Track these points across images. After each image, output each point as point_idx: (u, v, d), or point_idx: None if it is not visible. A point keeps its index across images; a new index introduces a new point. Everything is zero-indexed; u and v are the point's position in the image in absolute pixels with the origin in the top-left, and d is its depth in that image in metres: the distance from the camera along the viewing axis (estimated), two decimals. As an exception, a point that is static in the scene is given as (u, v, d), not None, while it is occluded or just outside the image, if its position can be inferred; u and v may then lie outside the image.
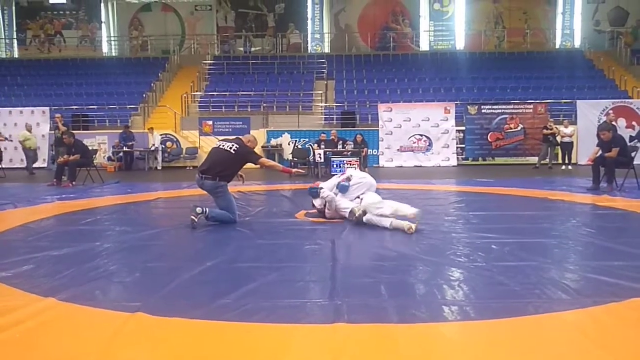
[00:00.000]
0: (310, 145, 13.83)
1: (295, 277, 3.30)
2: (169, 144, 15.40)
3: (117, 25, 22.90)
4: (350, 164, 10.87)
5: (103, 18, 22.76)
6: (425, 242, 4.35)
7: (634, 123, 14.70)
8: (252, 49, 22.43)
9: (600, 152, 7.96)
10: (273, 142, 15.21)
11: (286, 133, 15.35)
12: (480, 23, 21.83)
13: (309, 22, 21.71)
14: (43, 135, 14.80)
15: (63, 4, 22.97)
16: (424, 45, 21.92)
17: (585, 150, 12.52)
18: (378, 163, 14.75)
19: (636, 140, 13.28)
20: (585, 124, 14.26)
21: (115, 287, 3.18)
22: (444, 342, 2.33)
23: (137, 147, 14.77)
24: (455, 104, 15.35)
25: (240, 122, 15.45)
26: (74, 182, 9.37)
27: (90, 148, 10.60)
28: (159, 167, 14.69)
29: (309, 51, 21.38)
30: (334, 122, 16.35)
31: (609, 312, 2.60)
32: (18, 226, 5.29)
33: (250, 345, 2.28)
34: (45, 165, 14.00)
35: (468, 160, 14.98)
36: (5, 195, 8.03)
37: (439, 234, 4.63)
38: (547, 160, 13.24)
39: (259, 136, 14.34)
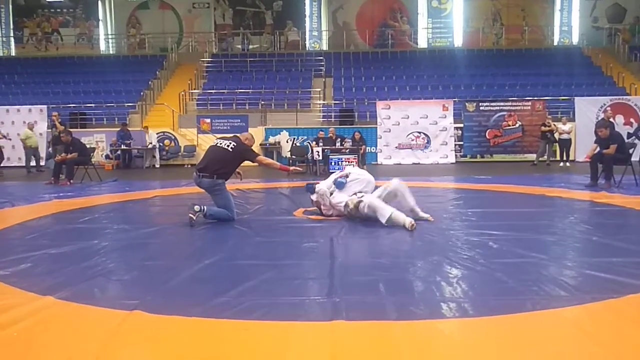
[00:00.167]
0: (308, 142, 13.82)
1: (294, 274, 3.30)
2: (167, 142, 15.38)
3: (115, 23, 22.82)
4: (349, 162, 10.86)
5: (100, 16, 22.69)
6: (423, 239, 4.35)
7: (631, 120, 14.73)
8: (250, 46, 22.38)
9: (598, 149, 7.97)
10: (271, 139, 15.19)
11: (284, 131, 15.33)
12: (478, 20, 21.81)
13: (307, 19, 21.68)
14: (41, 134, 14.76)
15: (60, 1, 22.90)
16: (422, 43, 21.90)
17: (584, 147, 12.54)
18: (376, 160, 14.76)
19: (634, 137, 13.29)
20: (583, 121, 14.29)
21: (113, 285, 3.17)
22: (442, 339, 2.33)
23: (135, 145, 14.75)
24: (454, 101, 15.36)
25: (239, 120, 15.43)
26: (71, 181, 9.36)
27: (88, 146, 10.57)
28: (157, 165, 14.67)
29: (307, 49, 21.34)
30: (332, 119, 16.34)
31: (607, 308, 2.60)
32: (16, 224, 5.28)
33: (249, 342, 2.27)
34: (42, 163, 13.94)
35: (466, 157, 14.99)
36: (2, 193, 8.01)
37: (437, 231, 4.63)
38: (545, 157, 13.26)
39: (257, 134, 14.33)
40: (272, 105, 17.02)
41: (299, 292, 2.96)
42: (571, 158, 13.35)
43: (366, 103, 16.77)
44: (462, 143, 15.00)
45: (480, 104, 15.04)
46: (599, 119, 12.44)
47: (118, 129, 14.95)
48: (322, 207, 5.52)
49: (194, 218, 5.00)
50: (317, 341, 2.27)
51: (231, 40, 22.72)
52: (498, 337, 2.31)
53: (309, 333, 2.35)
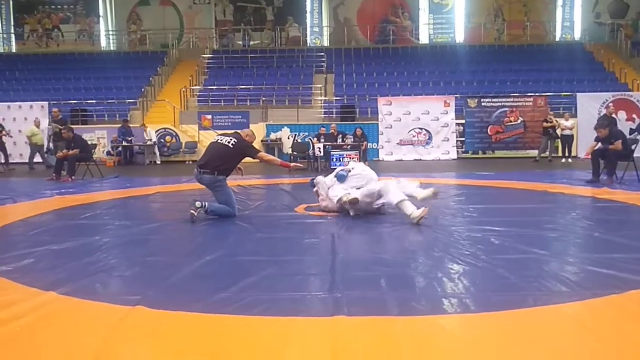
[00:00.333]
0: (309, 139, 13.81)
1: (295, 270, 3.30)
2: (168, 138, 15.38)
3: (115, 20, 22.80)
4: (350, 158, 10.86)
5: (101, 12, 22.66)
6: (425, 235, 4.35)
7: (634, 116, 14.69)
8: (251, 42, 22.35)
9: (599, 145, 7.95)
10: (272, 136, 15.18)
11: (285, 127, 15.32)
12: (480, 16, 21.75)
13: (308, 15, 21.62)
14: (42, 130, 14.75)
15: (60, -2, 22.89)
16: (424, 38, 21.85)
17: (585, 144, 12.49)
18: (378, 157, 14.75)
19: (636, 133, 13.26)
20: (585, 117, 14.25)
21: (115, 281, 3.18)
22: (443, 334, 2.33)
23: (136, 141, 14.75)
24: (455, 97, 15.33)
25: (240, 116, 15.42)
26: (73, 177, 9.37)
27: (89, 143, 10.59)
28: (158, 162, 14.68)
29: (308, 45, 21.30)
30: (334, 115, 16.32)
31: (608, 304, 2.60)
32: (18, 221, 5.29)
33: (250, 338, 2.28)
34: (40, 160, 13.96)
35: (468, 153, 14.98)
36: (4, 190, 8.02)
37: (438, 227, 4.63)
38: (547, 153, 13.24)
39: (258, 130, 14.31)
40: (273, 101, 17.01)
41: (300, 288, 2.96)
42: (573, 154, 13.32)
43: (367, 99, 16.75)
44: (463, 139, 14.98)
45: (482, 100, 15.00)
46: (601, 114, 12.41)
47: (119, 125, 14.95)
48: (319, 198, 5.54)
49: (195, 214, 5.00)
50: (318, 336, 2.27)
51: (232, 36, 22.68)
52: (499, 333, 2.31)
53: (310, 328, 2.35)
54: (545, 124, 13.30)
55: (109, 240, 4.33)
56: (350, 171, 5.48)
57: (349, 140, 12.66)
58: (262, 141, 14.54)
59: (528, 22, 21.52)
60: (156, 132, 15.25)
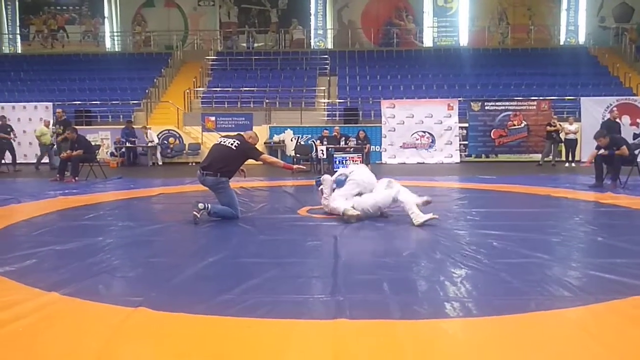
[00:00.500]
0: (312, 141, 13.81)
1: (297, 273, 3.30)
2: (171, 139, 15.41)
3: (120, 21, 22.89)
4: (353, 161, 10.85)
5: (106, 13, 22.76)
6: (427, 238, 4.35)
7: (638, 120, 14.62)
8: (255, 44, 22.40)
9: (602, 150, 7.89)
10: (276, 138, 15.19)
11: (289, 129, 15.32)
12: (484, 19, 21.74)
13: (312, 17, 21.66)
14: (52, 132, 14.82)
15: (66, -1, 23.02)
16: (428, 42, 21.84)
17: (589, 148, 12.46)
18: (381, 160, 14.74)
19: (640, 138, 13.21)
20: (589, 121, 14.20)
21: (118, 282, 3.19)
22: (445, 338, 2.33)
23: (140, 143, 14.80)
24: (459, 100, 15.31)
25: (243, 118, 15.44)
26: (77, 178, 9.40)
27: (93, 144, 10.63)
28: (160, 163, 14.71)
29: (312, 47, 21.34)
30: (337, 118, 16.32)
31: (611, 309, 2.59)
32: (22, 221, 5.31)
33: (252, 340, 2.28)
34: (46, 160, 14.02)
35: (471, 157, 14.95)
36: (9, 190, 8.06)
37: (441, 231, 4.62)
38: (551, 157, 13.21)
39: (261, 132, 14.32)
40: (277, 103, 17.02)
41: (303, 291, 2.96)
42: (577, 158, 13.28)
43: (371, 102, 16.75)
44: (467, 143, 14.96)
45: (485, 103, 14.98)
46: (605, 119, 12.38)
47: (123, 126, 14.99)
48: (323, 196, 5.54)
49: (198, 216, 5.01)
50: (320, 339, 2.27)
51: (236, 38, 22.74)
52: (502, 337, 2.31)
53: (312, 331, 2.35)
54: (548, 128, 13.26)
55: (112, 241, 4.34)
56: (348, 175, 5.46)
57: (352, 142, 12.65)
58: (265, 143, 14.56)
59: (532, 25, 21.50)
60: (160, 133, 15.29)
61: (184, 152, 15.39)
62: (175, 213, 5.78)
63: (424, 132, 14.90)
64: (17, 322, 2.44)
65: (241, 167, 5.57)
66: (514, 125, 14.70)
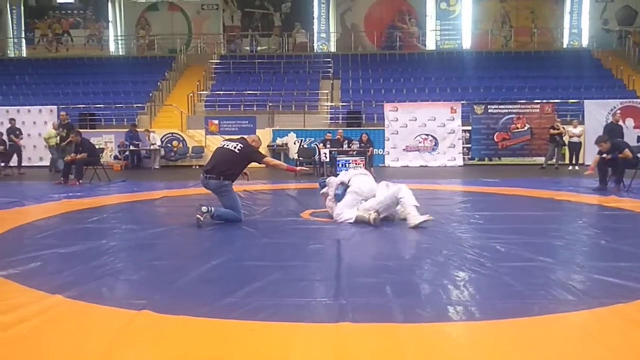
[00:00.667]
0: (316, 144, 13.83)
1: (300, 276, 3.30)
2: (175, 143, 15.46)
3: (124, 25, 22.99)
4: (356, 164, 10.86)
5: (110, 17, 22.86)
6: (430, 242, 4.34)
7: (642, 123, 14.58)
8: (259, 48, 22.46)
9: (604, 155, 7.85)
10: (279, 141, 15.23)
11: (292, 132, 15.36)
12: (487, 22, 21.73)
13: (315, 21, 21.71)
14: (55, 136, 14.87)
15: (71, 3, 23.13)
16: (431, 45, 21.85)
17: (593, 151, 12.43)
18: (384, 163, 14.74)
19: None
20: (592, 124, 14.16)
21: (122, 285, 3.19)
22: (449, 342, 2.33)
23: (143, 146, 14.84)
24: (462, 103, 15.30)
25: (246, 122, 15.48)
26: (80, 181, 9.43)
27: (97, 147, 10.67)
28: (157, 167, 14.74)
29: (315, 50, 21.37)
30: (340, 121, 16.34)
31: (615, 313, 2.59)
32: (26, 224, 5.33)
33: (255, 343, 2.28)
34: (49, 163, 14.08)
35: (474, 160, 14.93)
36: (13, 193, 8.09)
37: (444, 234, 4.62)
38: (554, 160, 13.17)
39: (264, 135, 14.38)
40: (280, 106, 17.06)
41: (306, 294, 2.97)
42: (580, 161, 13.24)
43: (374, 105, 16.76)
44: (470, 146, 14.94)
45: (488, 106, 14.97)
46: (608, 122, 12.33)
47: (127, 129, 15.05)
48: (327, 198, 5.54)
49: (202, 219, 5.02)
50: (322, 343, 2.27)
51: (239, 41, 22.81)
52: (505, 341, 2.30)
53: (314, 334, 2.35)
54: (552, 131, 13.24)
55: (116, 244, 4.35)
56: (347, 185, 5.44)
57: (355, 146, 12.66)
58: (268, 146, 14.59)
59: (535, 28, 21.48)
60: (163, 136, 15.35)
61: (188, 155, 15.44)
62: (179, 216, 5.79)
63: (427, 135, 14.89)
64: (21, 325, 2.45)
65: (244, 171, 5.58)
66: (517, 128, 14.68)
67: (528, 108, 14.84)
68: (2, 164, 12.34)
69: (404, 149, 14.89)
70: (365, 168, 10.28)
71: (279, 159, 12.54)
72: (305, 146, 14.74)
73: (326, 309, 2.68)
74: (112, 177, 10.47)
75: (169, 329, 2.42)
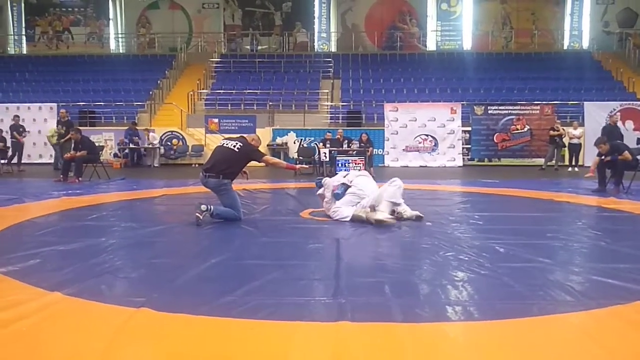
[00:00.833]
0: (315, 144, 13.83)
1: (300, 275, 3.30)
2: (174, 141, 15.46)
3: (125, 23, 22.98)
4: (356, 164, 10.86)
5: (111, 15, 22.85)
6: (429, 242, 4.34)
7: (642, 125, 14.59)
8: (259, 47, 22.45)
9: (604, 157, 7.86)
10: (279, 140, 15.23)
11: (292, 132, 15.36)
12: (487, 23, 21.73)
13: (316, 21, 21.70)
14: (52, 134, 14.86)
15: (71, 1, 23.13)
16: (431, 45, 21.85)
17: (592, 153, 12.45)
18: (383, 163, 14.74)
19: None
20: (592, 126, 14.15)
21: (121, 283, 3.20)
22: (447, 342, 2.33)
23: (143, 144, 14.84)
24: (462, 104, 15.31)
25: (246, 121, 15.48)
26: (80, 178, 9.43)
27: (96, 144, 10.66)
28: (157, 165, 14.74)
29: (316, 50, 21.37)
30: (340, 121, 16.34)
31: (614, 314, 2.59)
32: (25, 221, 5.32)
33: (254, 342, 2.28)
34: (52, 160, 14.07)
35: (474, 160, 14.94)
36: (12, 190, 8.09)
37: (443, 235, 4.62)
38: (554, 161, 13.18)
39: (264, 134, 14.38)
40: (280, 106, 17.06)
41: (305, 293, 2.97)
42: (580, 163, 13.25)
43: (374, 105, 16.77)
44: (469, 146, 14.95)
45: (488, 107, 14.98)
46: (606, 124, 12.34)
47: (126, 127, 15.04)
48: (324, 200, 5.55)
49: (201, 217, 5.02)
50: (321, 342, 2.27)
51: (240, 40, 22.80)
52: (503, 341, 2.31)
53: (313, 333, 2.36)
54: (552, 133, 13.25)
55: (115, 241, 4.36)
56: (347, 185, 5.44)
57: (355, 145, 12.66)
58: (268, 145, 14.59)
59: (536, 30, 21.48)
60: (163, 134, 15.35)
61: (187, 153, 15.44)
62: (178, 214, 5.79)
63: (427, 135, 14.90)
64: (20, 322, 2.45)
65: (244, 170, 5.58)
66: (517, 129, 14.69)
67: (528, 109, 14.84)
68: (2, 161, 12.32)
69: (403, 149, 14.90)
70: (365, 168, 10.30)
71: (279, 158, 12.53)
72: (305, 146, 14.74)
73: (325, 308, 2.68)
74: (112, 175, 10.46)
75: (168, 327, 2.42)
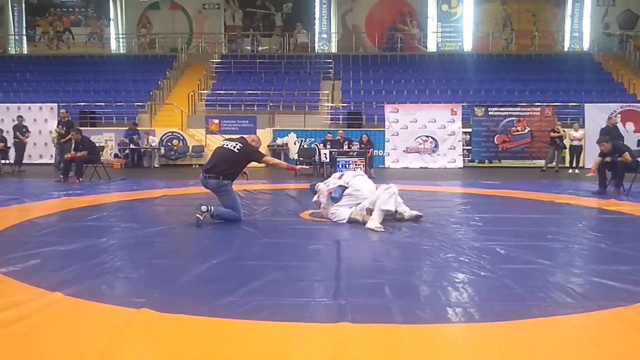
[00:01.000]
0: (316, 145, 13.84)
1: (300, 276, 3.30)
2: (175, 142, 15.46)
3: (126, 23, 22.99)
4: (356, 165, 10.86)
5: (111, 15, 22.87)
6: (430, 243, 4.34)
7: (642, 127, 14.59)
8: (260, 48, 22.46)
9: (606, 157, 7.87)
10: (279, 141, 15.23)
11: (292, 132, 15.36)
12: (488, 25, 21.74)
13: (317, 21, 21.70)
14: (51, 131, 14.89)
15: (72, 1, 23.15)
16: (432, 47, 21.85)
17: (593, 155, 12.45)
18: (384, 164, 14.74)
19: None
20: (593, 128, 14.12)
21: (121, 283, 3.20)
22: (447, 343, 2.33)
23: (142, 144, 14.84)
24: (462, 105, 15.31)
25: (247, 121, 15.48)
26: (80, 179, 9.43)
27: (97, 145, 10.66)
28: (157, 165, 14.74)
29: (316, 51, 21.37)
30: (340, 122, 16.35)
31: (614, 316, 2.59)
32: (25, 221, 5.33)
33: (254, 343, 2.28)
34: (52, 161, 14.09)
35: (474, 162, 14.93)
36: (13, 190, 8.09)
37: (444, 236, 4.62)
38: (554, 163, 13.18)
39: (265, 135, 14.39)
40: (281, 107, 17.06)
41: (305, 294, 2.97)
42: (581, 165, 13.25)
43: (374, 106, 16.77)
44: (470, 148, 14.94)
45: (489, 108, 14.98)
46: (604, 126, 12.34)
47: (127, 128, 15.04)
48: (321, 206, 5.54)
49: (201, 218, 5.02)
50: (321, 342, 2.27)
51: (241, 41, 22.81)
52: (504, 343, 2.30)
53: (314, 334, 2.36)
54: (552, 134, 13.24)
55: (115, 242, 4.36)
56: (345, 187, 5.43)
57: (355, 147, 12.65)
58: (268, 146, 14.60)
59: (537, 31, 21.48)
60: (164, 135, 15.35)
61: (188, 154, 15.44)
62: (178, 215, 5.79)
63: (427, 136, 14.90)
64: (21, 322, 2.45)
65: (244, 170, 5.58)
66: (518, 131, 14.68)
67: (528, 111, 14.84)
68: (2, 161, 12.32)
69: (404, 151, 14.89)
70: (365, 169, 10.30)
71: (279, 159, 12.53)
72: (305, 146, 14.74)
73: (325, 309, 2.68)
74: (112, 176, 10.46)
75: (168, 328, 2.42)
